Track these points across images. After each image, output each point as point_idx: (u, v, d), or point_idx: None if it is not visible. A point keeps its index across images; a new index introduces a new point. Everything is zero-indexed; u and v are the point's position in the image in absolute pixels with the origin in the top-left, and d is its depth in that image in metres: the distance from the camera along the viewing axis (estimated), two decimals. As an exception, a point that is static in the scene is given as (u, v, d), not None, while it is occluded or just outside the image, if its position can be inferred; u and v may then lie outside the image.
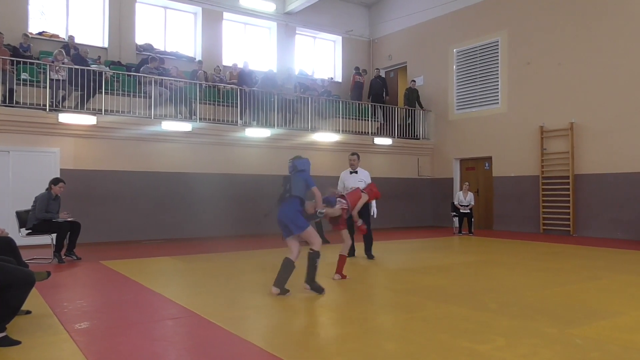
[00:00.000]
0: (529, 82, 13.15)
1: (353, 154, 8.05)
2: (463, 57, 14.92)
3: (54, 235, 7.90)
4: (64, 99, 10.46)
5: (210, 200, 11.94)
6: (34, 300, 4.82)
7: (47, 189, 7.90)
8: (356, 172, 7.85)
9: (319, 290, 5.40)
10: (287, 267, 5.33)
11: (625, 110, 11.23)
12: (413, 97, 15.54)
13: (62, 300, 5.14)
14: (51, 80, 10.19)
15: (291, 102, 13.51)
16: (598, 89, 11.73)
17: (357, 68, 16.45)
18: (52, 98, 10.23)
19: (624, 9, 11.33)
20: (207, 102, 12.45)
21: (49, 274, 4.87)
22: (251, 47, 16.04)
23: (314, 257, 5.39)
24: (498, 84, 13.94)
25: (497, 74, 13.95)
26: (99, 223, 10.51)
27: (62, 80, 10.37)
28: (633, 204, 10.99)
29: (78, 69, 10.49)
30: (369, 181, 7.79)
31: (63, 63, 10.41)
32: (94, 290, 5.99)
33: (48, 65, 10.22)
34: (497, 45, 13.94)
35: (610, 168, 11.47)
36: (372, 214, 8.02)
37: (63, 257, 7.85)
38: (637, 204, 10.91)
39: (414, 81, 15.79)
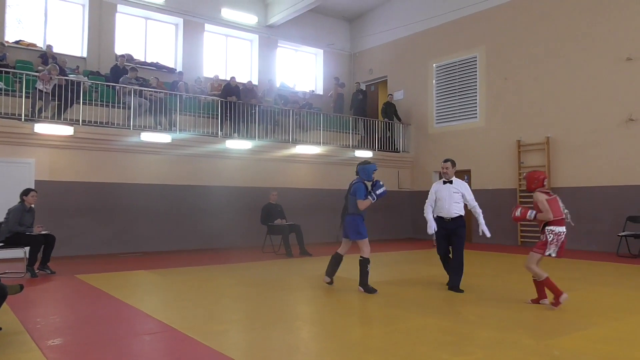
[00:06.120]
0: (507, 97, 13.43)
1: (446, 160, 6.77)
2: (442, 72, 15.18)
3: (27, 249, 7.69)
4: (40, 110, 10.25)
5: (190, 213, 11.80)
6: (5, 316, 4.68)
7: (19, 202, 7.70)
8: (451, 182, 6.65)
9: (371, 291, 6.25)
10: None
11: (599, 125, 11.54)
12: (390, 110, 15.75)
13: (34, 316, 4.99)
14: (35, 89, 10.03)
15: (272, 114, 13.52)
16: (573, 105, 12.04)
17: (337, 79, 16.60)
18: (33, 107, 10.05)
19: (597, 29, 11.69)
20: (188, 113, 12.37)
21: (21, 287, 4.74)
22: (232, 59, 16.05)
23: (365, 262, 6.30)
24: (476, 99, 14.20)
25: (476, 88, 14.21)
26: (74, 236, 10.28)
27: (45, 92, 10.21)
28: (607, 216, 11.24)
29: (56, 78, 10.33)
30: (471, 196, 6.61)
31: (51, 78, 10.23)
32: (68, 305, 5.83)
33: (39, 75, 10.08)
34: (476, 60, 14.23)
35: (585, 181, 11.73)
36: (480, 233, 6.56)
37: (36, 271, 7.63)
38: (610, 216, 11.17)
39: (391, 95, 16.06)
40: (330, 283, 6.74)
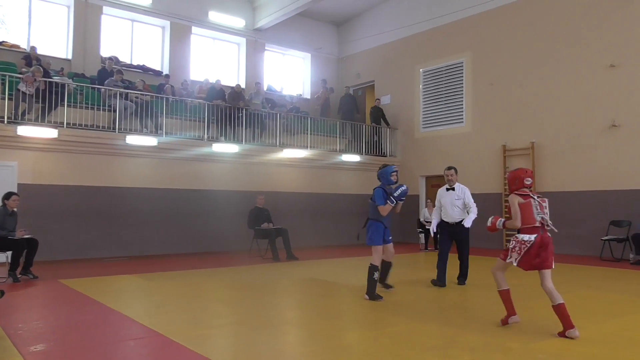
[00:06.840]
0: (492, 102, 13.58)
1: (449, 168, 7.18)
2: (429, 77, 15.30)
3: (9, 253, 7.56)
4: (23, 113, 10.09)
5: (176, 217, 11.70)
6: (-15, 322, 4.59)
7: (1, 206, 7.57)
8: (453, 189, 7.07)
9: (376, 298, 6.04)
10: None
11: (583, 131, 11.72)
12: (378, 115, 15.84)
13: (16, 322, 4.90)
14: (18, 91, 9.87)
15: (260, 118, 13.49)
16: (557, 110, 12.21)
17: (324, 81, 16.66)
18: (16, 110, 9.88)
19: (581, 36, 11.89)
20: (174, 116, 12.27)
21: (2, 292, 4.66)
22: (219, 62, 16.00)
23: (371, 270, 6.09)
24: (463, 104, 14.33)
25: (462, 94, 14.35)
26: (58, 240, 10.12)
27: (29, 94, 10.05)
28: (590, 221, 11.40)
29: (40, 80, 10.18)
30: (469, 199, 6.98)
31: (35, 80, 10.08)
32: (51, 311, 5.74)
33: (23, 77, 9.91)
34: (462, 66, 14.37)
35: (568, 186, 11.90)
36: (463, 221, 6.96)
37: (19, 275, 7.49)
38: (593, 221, 11.33)
39: (379, 100, 16.16)
40: (386, 287, 6.66)
